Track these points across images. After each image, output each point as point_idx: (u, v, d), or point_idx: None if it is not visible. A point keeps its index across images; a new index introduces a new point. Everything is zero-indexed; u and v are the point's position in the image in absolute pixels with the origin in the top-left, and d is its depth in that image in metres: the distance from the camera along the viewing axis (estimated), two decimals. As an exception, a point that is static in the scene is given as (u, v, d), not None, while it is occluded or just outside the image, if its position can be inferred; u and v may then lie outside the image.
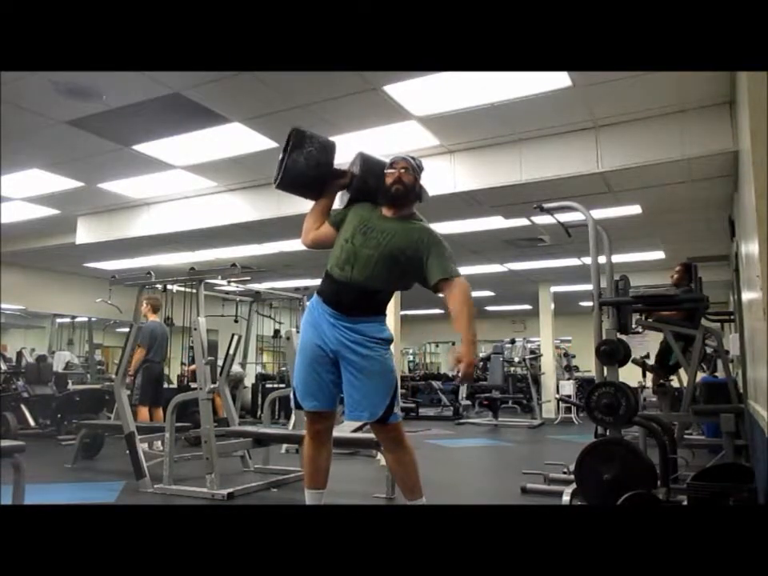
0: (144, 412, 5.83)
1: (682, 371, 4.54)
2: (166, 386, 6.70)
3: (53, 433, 6.92)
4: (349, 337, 2.40)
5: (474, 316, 2.35)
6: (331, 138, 2.64)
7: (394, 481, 3.76)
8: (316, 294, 2.53)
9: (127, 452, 4.35)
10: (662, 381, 4.89)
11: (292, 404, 2.56)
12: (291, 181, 2.56)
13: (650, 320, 4.29)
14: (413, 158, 2.58)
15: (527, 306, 13.61)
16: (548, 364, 11.26)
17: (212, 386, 4.09)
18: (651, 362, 5.04)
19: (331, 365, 2.44)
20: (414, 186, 2.53)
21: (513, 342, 11.53)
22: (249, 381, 9.41)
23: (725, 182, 5.12)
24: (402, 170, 2.50)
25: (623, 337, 3.68)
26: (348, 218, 2.54)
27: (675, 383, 5.12)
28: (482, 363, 11.61)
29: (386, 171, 2.53)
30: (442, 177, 5.24)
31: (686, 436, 4.73)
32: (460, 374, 2.27)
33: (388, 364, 2.44)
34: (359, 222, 2.49)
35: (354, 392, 2.41)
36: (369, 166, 2.59)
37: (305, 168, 2.51)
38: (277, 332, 8.88)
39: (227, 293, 6.54)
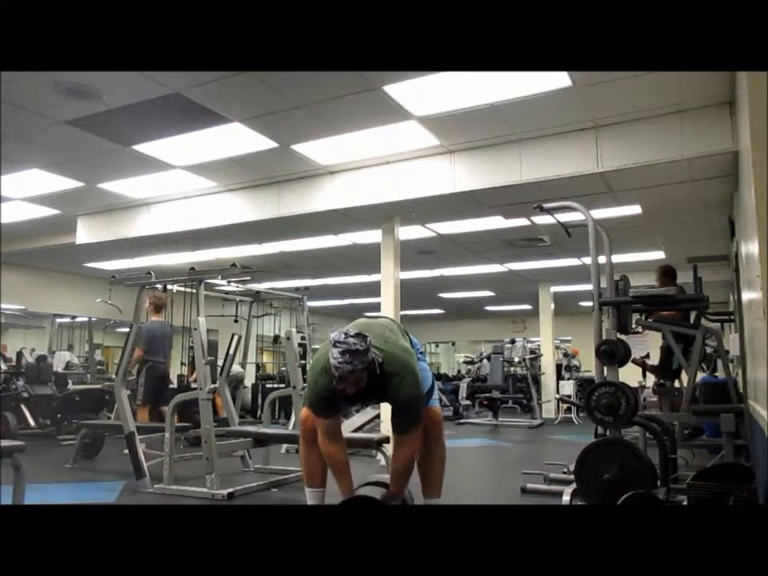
0: (144, 413, 5.75)
1: (682, 371, 4.53)
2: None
3: (53, 433, 6.93)
4: None
5: None
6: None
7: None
8: None
9: (126, 452, 4.35)
10: (662, 381, 4.88)
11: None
12: None
13: (650, 320, 4.29)
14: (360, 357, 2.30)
15: (527, 306, 13.59)
16: (548, 364, 11.26)
17: (212, 386, 4.09)
18: (651, 362, 5.02)
19: None
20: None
21: (513, 342, 11.54)
22: (249, 381, 9.42)
23: (725, 182, 5.11)
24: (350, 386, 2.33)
25: (623, 337, 3.68)
26: None
27: (675, 383, 5.10)
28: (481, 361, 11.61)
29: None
30: (442, 177, 5.23)
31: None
32: None
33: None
34: None
35: None
36: None
37: None
38: (277, 337, 8.90)
39: (227, 293, 6.54)
